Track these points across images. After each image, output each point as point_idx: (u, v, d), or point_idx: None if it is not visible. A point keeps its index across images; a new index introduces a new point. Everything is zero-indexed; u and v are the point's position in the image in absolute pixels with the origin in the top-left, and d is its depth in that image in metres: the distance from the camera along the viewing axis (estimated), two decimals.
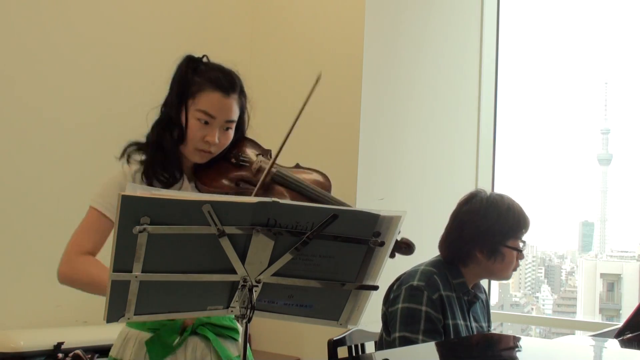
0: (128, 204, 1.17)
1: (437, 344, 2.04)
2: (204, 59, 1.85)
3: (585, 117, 4.70)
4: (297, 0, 3.93)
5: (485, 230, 2.24)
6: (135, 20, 3.52)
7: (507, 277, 2.35)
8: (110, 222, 1.76)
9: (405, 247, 1.79)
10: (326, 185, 1.89)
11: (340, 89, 3.64)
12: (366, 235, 1.30)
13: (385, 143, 3.72)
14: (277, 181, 1.82)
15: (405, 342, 2.11)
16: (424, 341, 2.09)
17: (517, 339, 2.32)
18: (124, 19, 3.48)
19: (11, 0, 3.09)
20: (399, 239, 1.87)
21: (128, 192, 1.18)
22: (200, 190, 1.82)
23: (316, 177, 1.91)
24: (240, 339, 1.85)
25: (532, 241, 5.19)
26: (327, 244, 1.29)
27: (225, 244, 1.25)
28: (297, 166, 1.92)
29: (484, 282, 2.55)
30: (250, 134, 1.95)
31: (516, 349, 2.01)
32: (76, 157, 3.24)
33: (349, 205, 1.82)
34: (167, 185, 1.79)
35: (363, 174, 3.54)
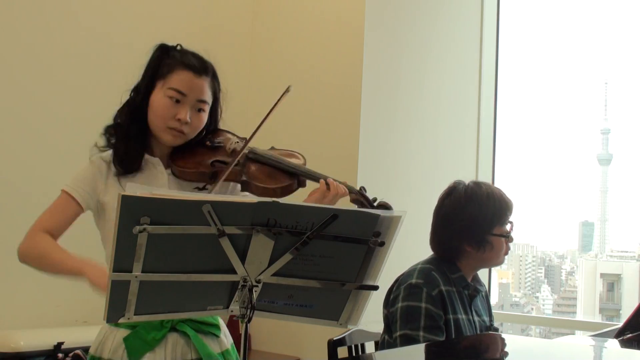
0: (128, 204, 1.17)
1: (435, 344, 2.04)
2: (178, 47, 1.89)
3: (585, 117, 4.70)
4: (298, 0, 3.93)
5: (470, 224, 2.25)
6: (136, 18, 3.52)
7: (500, 263, 2.37)
8: (78, 207, 1.80)
9: (382, 209, 1.83)
10: (301, 162, 1.93)
11: (340, 88, 3.64)
12: (366, 235, 1.30)
13: (386, 143, 3.72)
14: (250, 158, 1.86)
15: (407, 340, 2.10)
16: (425, 338, 2.09)
17: (514, 339, 2.32)
18: (124, 16, 3.47)
19: None
20: (375, 203, 1.92)
21: (128, 192, 1.18)
22: (175, 174, 1.84)
23: (290, 153, 1.95)
24: (215, 338, 1.85)
25: (532, 241, 5.19)
26: (327, 244, 1.29)
27: (225, 244, 1.25)
28: (272, 148, 1.96)
29: (484, 278, 2.55)
30: (249, 129, 1.96)
31: (515, 349, 2.01)
32: (76, 158, 3.23)
33: (323, 176, 1.88)
34: (134, 169, 1.81)
35: (363, 173, 3.54)
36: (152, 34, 3.53)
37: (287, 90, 1.79)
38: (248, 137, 1.82)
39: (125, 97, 1.90)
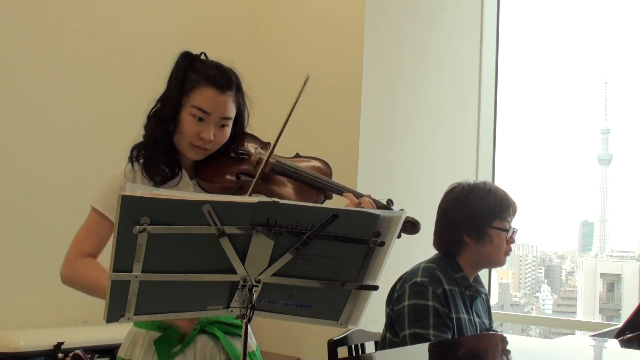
0: (128, 204, 1.17)
1: (435, 344, 2.04)
2: (202, 56, 1.85)
3: (585, 117, 4.70)
4: (298, 0, 3.93)
5: (469, 213, 2.26)
6: (136, 19, 3.52)
7: (501, 262, 2.34)
8: (111, 224, 1.76)
9: (410, 226, 1.80)
10: (326, 171, 1.90)
11: (340, 89, 3.64)
12: (366, 235, 1.30)
13: (386, 143, 3.72)
14: (277, 171, 1.83)
15: (417, 338, 2.11)
16: (434, 336, 2.10)
17: (514, 339, 2.32)
18: (124, 17, 3.48)
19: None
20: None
21: (128, 192, 1.18)
22: (201, 187, 1.82)
23: (316, 164, 1.92)
24: (241, 339, 1.86)
25: (532, 241, 5.19)
26: (327, 244, 1.29)
27: (225, 244, 1.25)
28: (297, 155, 1.94)
29: (484, 279, 2.55)
30: (250, 131, 1.96)
31: (515, 349, 2.01)
32: (76, 157, 3.24)
33: (350, 190, 1.83)
34: (166, 179, 1.80)
35: (363, 174, 3.54)
36: (152, 35, 3.55)
37: (305, 82, 1.73)
38: (271, 146, 1.78)
39: (143, 102, 1.87)
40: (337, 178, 1.93)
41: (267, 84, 3.88)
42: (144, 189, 1.20)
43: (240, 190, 1.78)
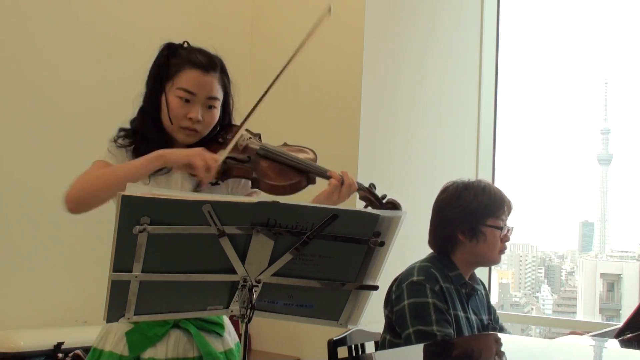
0: (128, 203, 1.17)
1: (434, 344, 2.04)
2: (185, 45, 1.88)
3: (585, 117, 4.70)
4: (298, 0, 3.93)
5: (463, 211, 2.27)
6: (137, 16, 3.52)
7: (495, 260, 2.34)
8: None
9: (390, 207, 1.85)
10: (312, 158, 1.93)
11: (340, 88, 3.64)
12: (366, 235, 1.30)
13: (385, 143, 3.72)
14: (261, 154, 1.86)
15: (421, 335, 2.11)
16: (439, 331, 2.10)
17: (514, 339, 2.32)
18: (125, 14, 3.48)
19: None
20: (384, 200, 1.92)
21: (128, 192, 1.18)
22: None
23: (301, 150, 1.94)
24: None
25: (532, 241, 5.19)
26: (327, 244, 1.29)
27: (225, 244, 1.25)
28: (285, 144, 1.96)
29: (483, 277, 2.54)
30: (247, 126, 1.96)
31: (515, 349, 2.01)
32: (75, 157, 3.23)
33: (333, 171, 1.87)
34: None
35: (363, 174, 3.54)
36: (152, 33, 3.54)
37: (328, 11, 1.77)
38: (247, 114, 1.83)
39: (135, 101, 1.89)
40: None
41: (267, 84, 3.87)
42: (144, 189, 1.20)
43: (225, 173, 1.80)
